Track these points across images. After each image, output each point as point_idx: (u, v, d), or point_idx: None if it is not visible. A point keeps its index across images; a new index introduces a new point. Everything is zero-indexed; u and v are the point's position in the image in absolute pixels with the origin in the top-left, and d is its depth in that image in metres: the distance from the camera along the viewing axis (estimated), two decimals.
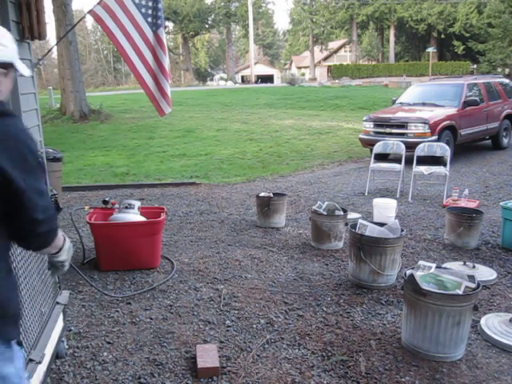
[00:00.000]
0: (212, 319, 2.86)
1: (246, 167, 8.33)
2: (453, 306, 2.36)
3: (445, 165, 6.03)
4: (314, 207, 4.28)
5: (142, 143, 11.19)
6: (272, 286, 3.37)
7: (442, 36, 41.41)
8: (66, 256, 1.54)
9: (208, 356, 2.35)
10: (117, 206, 3.76)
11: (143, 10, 4.45)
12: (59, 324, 2.19)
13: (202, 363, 2.30)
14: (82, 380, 2.26)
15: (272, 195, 4.85)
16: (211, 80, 51.77)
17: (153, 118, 15.14)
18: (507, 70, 31.08)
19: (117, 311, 2.95)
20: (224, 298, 3.14)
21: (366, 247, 3.26)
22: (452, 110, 8.32)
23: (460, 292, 2.41)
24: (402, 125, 8.05)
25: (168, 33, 49.72)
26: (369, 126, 8.61)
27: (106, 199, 3.80)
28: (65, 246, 1.50)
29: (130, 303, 3.06)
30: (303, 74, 48.07)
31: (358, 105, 19.29)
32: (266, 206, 4.69)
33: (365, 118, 8.86)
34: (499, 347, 2.55)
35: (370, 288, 3.29)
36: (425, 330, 2.43)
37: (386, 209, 4.74)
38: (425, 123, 7.77)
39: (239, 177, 7.54)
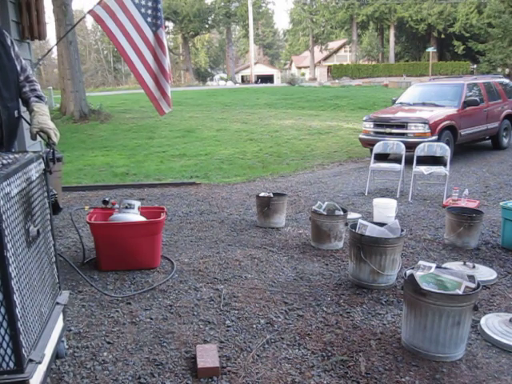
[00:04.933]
0: (212, 319, 2.86)
1: (246, 167, 8.33)
2: (453, 306, 2.36)
3: (445, 165, 6.03)
4: (314, 207, 4.28)
5: (141, 143, 11.20)
6: (272, 285, 3.37)
7: (442, 36, 41.45)
8: None
9: (208, 356, 2.35)
10: (117, 206, 3.76)
11: (143, 10, 4.46)
12: (59, 324, 2.19)
13: (202, 363, 2.30)
14: (82, 380, 2.26)
15: (272, 195, 4.85)
16: (211, 80, 51.81)
17: (153, 118, 15.16)
18: (507, 70, 31.11)
19: (117, 311, 2.96)
20: (224, 298, 3.14)
21: (365, 247, 3.26)
22: (452, 110, 8.32)
23: (460, 292, 2.41)
24: (402, 125, 8.05)
25: (168, 33, 49.74)
26: (369, 126, 8.62)
27: (106, 199, 3.80)
28: None
29: (129, 303, 3.06)
30: (303, 74, 48.10)
31: (358, 105, 19.30)
32: (266, 206, 4.69)
33: (365, 118, 8.87)
34: (499, 347, 2.55)
35: (370, 288, 3.29)
36: (425, 330, 2.43)
37: (386, 209, 4.74)
38: (425, 123, 7.78)
39: (239, 177, 7.54)
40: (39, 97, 2.72)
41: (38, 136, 2.54)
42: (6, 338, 1.62)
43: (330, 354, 2.49)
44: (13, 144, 2.67)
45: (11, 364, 1.64)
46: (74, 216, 4.94)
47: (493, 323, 2.72)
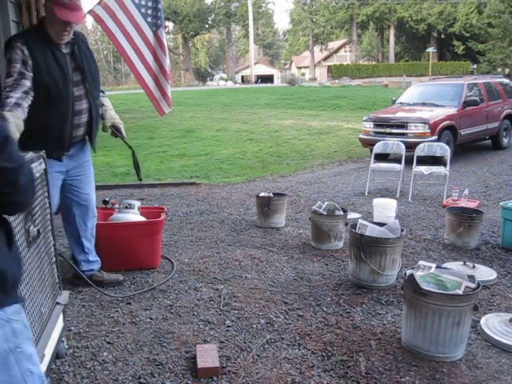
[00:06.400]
0: (212, 319, 2.86)
1: (246, 167, 8.33)
2: (453, 306, 2.36)
3: (445, 165, 6.03)
4: (314, 207, 4.28)
5: (141, 143, 11.19)
6: (272, 285, 3.37)
7: (442, 36, 41.43)
8: None
9: (208, 356, 2.35)
10: (117, 205, 3.75)
11: (143, 10, 4.45)
12: (59, 324, 2.19)
13: (202, 363, 2.30)
14: (82, 380, 2.26)
15: (272, 195, 4.85)
16: (211, 80, 51.84)
17: (153, 118, 15.15)
18: (507, 70, 31.09)
19: (117, 311, 2.96)
20: (224, 298, 3.14)
21: (365, 247, 3.26)
22: (452, 110, 8.32)
23: (460, 292, 2.41)
24: (402, 125, 8.05)
25: (168, 33, 49.74)
26: (369, 126, 8.62)
27: (106, 199, 3.80)
28: None
29: (129, 303, 3.06)
30: (303, 74, 48.10)
31: (358, 105, 19.29)
32: (266, 205, 4.69)
33: (365, 118, 8.86)
34: (499, 347, 2.55)
35: (370, 288, 3.29)
36: (425, 330, 2.43)
37: (385, 209, 4.74)
38: (425, 123, 7.77)
39: (239, 177, 7.54)
40: (102, 91, 3.06)
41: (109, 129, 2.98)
42: None
43: (330, 353, 2.49)
44: (96, 137, 3.04)
45: None
46: None
47: (493, 323, 2.72)
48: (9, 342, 1.23)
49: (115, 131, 2.97)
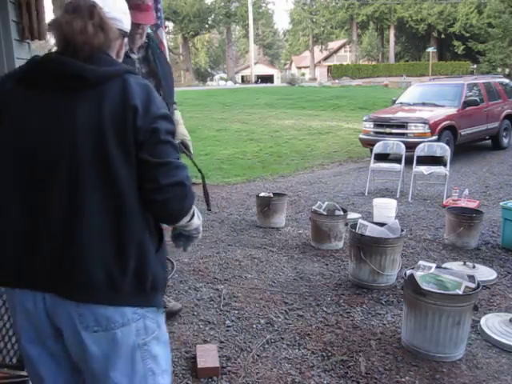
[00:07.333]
0: (212, 319, 2.86)
1: (246, 167, 8.33)
2: (453, 306, 2.36)
3: (445, 165, 6.03)
4: (314, 207, 4.28)
5: None
6: (272, 285, 3.37)
7: (442, 36, 41.43)
8: (199, 220, 1.45)
9: (208, 356, 2.35)
10: None
11: None
12: None
13: (202, 363, 2.30)
14: None
15: (272, 195, 4.85)
16: (211, 80, 51.83)
17: None
18: (507, 70, 31.04)
19: None
20: (224, 298, 3.14)
21: (365, 247, 3.26)
22: (452, 110, 8.31)
23: (460, 292, 2.41)
24: (402, 125, 8.04)
25: (168, 33, 49.66)
26: (369, 126, 8.61)
27: None
28: (195, 209, 1.39)
29: None
30: (303, 74, 48.09)
31: (358, 105, 19.27)
32: (266, 205, 4.69)
33: (365, 118, 8.85)
34: (499, 347, 2.55)
35: (370, 288, 3.29)
36: (425, 330, 2.43)
37: (385, 209, 4.74)
38: (425, 123, 7.77)
39: (239, 177, 7.54)
40: (175, 103, 2.78)
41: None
42: (10, 333, 1.65)
43: (330, 354, 2.49)
44: None
45: (14, 360, 1.68)
46: None
47: (493, 323, 2.72)
48: (139, 338, 1.25)
49: (183, 148, 2.75)
